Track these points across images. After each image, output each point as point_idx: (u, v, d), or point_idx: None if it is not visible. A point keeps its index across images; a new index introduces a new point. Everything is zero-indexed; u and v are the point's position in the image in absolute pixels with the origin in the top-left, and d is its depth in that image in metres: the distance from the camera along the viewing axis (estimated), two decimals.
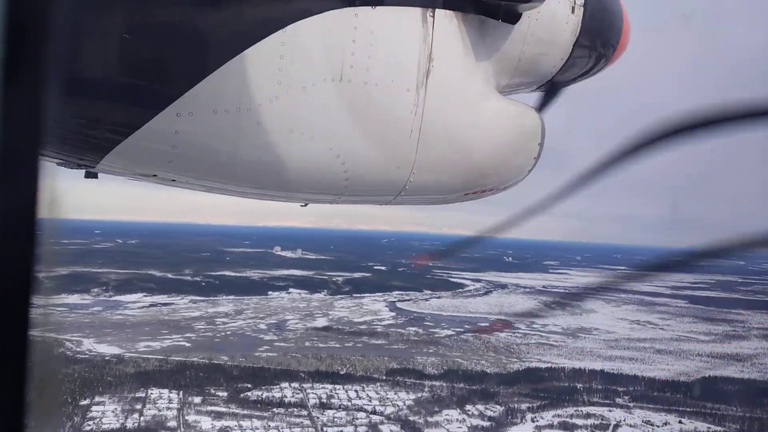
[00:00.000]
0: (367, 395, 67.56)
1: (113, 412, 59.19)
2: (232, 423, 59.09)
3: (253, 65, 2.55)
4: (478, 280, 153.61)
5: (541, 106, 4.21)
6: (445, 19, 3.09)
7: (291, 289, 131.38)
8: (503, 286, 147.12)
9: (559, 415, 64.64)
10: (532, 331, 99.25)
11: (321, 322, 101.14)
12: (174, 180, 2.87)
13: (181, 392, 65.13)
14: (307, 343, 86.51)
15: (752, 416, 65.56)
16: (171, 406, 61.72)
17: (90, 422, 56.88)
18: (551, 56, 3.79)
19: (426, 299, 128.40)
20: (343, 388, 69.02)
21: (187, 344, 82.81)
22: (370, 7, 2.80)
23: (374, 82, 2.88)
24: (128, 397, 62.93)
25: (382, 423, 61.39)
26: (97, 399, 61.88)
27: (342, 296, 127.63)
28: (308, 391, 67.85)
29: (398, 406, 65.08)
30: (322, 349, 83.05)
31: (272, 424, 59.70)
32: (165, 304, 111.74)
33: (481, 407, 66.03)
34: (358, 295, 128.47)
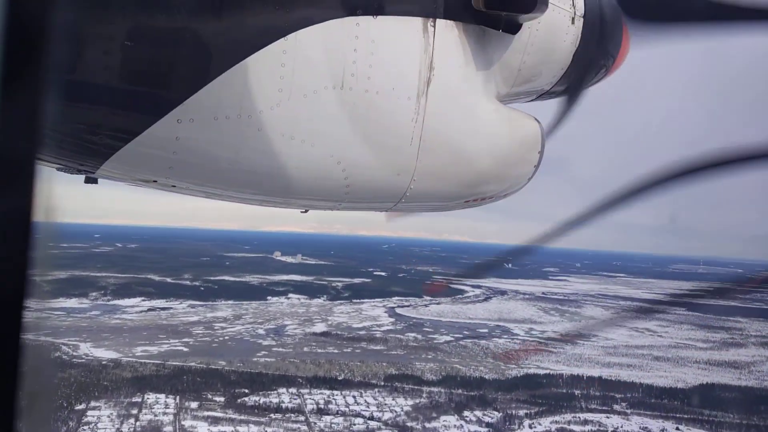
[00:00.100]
0: (365, 401, 67.27)
1: (109, 416, 58.84)
2: (228, 429, 58.75)
3: (254, 73, 2.56)
4: (478, 286, 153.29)
5: (563, 113, 4.23)
6: (446, 29, 3.12)
7: (290, 294, 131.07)
8: (503, 293, 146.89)
9: (556, 422, 64.41)
10: (530, 337, 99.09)
11: (320, 327, 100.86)
12: (174, 186, 2.88)
13: (177, 397, 64.78)
14: (305, 349, 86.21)
15: (749, 423, 65.42)
16: (167, 411, 61.37)
17: (85, 427, 56.54)
18: (551, 66, 3.82)
19: (425, 305, 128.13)
20: (341, 394, 68.73)
21: (185, 349, 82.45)
22: (371, 17, 2.82)
23: (375, 90, 2.90)
24: (124, 402, 62.58)
25: (379, 429, 61.08)
26: (92, 404, 61.50)
27: (341, 302, 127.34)
28: (306, 396, 67.53)
29: (396, 411, 64.79)
30: (321, 355, 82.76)
31: (269, 429, 59.36)
32: (163, 309, 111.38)
33: (479, 413, 65.78)
34: (358, 300, 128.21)
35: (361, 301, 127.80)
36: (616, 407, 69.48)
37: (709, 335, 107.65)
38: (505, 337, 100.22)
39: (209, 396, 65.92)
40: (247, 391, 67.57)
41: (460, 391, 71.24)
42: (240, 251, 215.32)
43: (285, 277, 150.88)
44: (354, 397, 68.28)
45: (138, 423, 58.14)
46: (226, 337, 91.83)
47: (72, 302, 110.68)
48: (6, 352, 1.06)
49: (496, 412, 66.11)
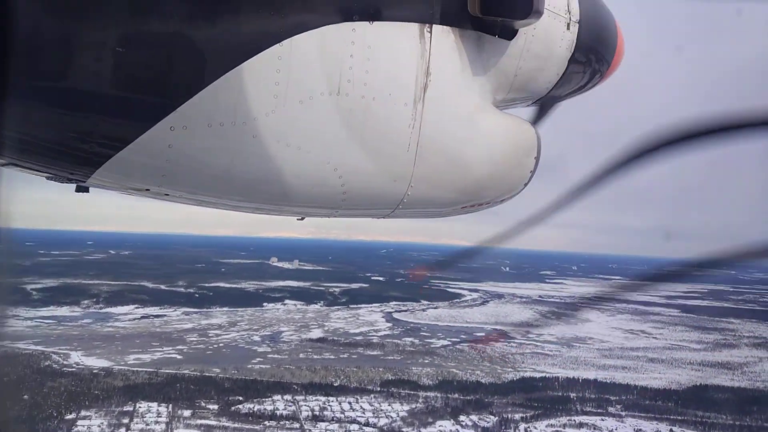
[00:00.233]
0: (361, 407, 66.96)
1: (99, 426, 58.11)
2: None
3: (249, 79, 2.52)
4: (475, 290, 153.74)
5: (536, 120, 4.24)
6: (443, 35, 3.11)
7: (287, 301, 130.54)
8: (500, 296, 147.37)
9: (552, 425, 64.49)
10: (527, 340, 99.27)
11: (316, 333, 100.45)
12: (167, 195, 2.83)
13: (170, 405, 64.13)
14: (301, 355, 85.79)
15: (742, 424, 65.84)
16: (159, 419, 60.71)
17: None
18: (547, 72, 3.82)
19: (423, 309, 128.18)
20: (337, 400, 68.38)
21: (179, 356, 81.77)
22: (367, 23, 2.80)
23: (372, 96, 2.88)
24: (115, 411, 61.86)
25: None
26: (83, 413, 60.75)
27: (338, 307, 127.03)
28: (301, 403, 67.11)
29: (392, 417, 64.53)
30: (317, 361, 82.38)
31: None
32: (157, 316, 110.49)
33: (474, 417, 65.70)
34: (355, 306, 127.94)
35: (359, 306, 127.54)
36: (611, 409, 69.73)
37: (702, 336, 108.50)
38: (501, 341, 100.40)
39: (202, 404, 65.32)
40: (241, 398, 67.04)
41: (456, 395, 71.16)
42: (236, 257, 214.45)
43: (281, 283, 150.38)
44: (350, 403, 67.95)
45: None
46: (221, 345, 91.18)
47: (63, 310, 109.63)
48: None
49: (491, 416, 66.08)
